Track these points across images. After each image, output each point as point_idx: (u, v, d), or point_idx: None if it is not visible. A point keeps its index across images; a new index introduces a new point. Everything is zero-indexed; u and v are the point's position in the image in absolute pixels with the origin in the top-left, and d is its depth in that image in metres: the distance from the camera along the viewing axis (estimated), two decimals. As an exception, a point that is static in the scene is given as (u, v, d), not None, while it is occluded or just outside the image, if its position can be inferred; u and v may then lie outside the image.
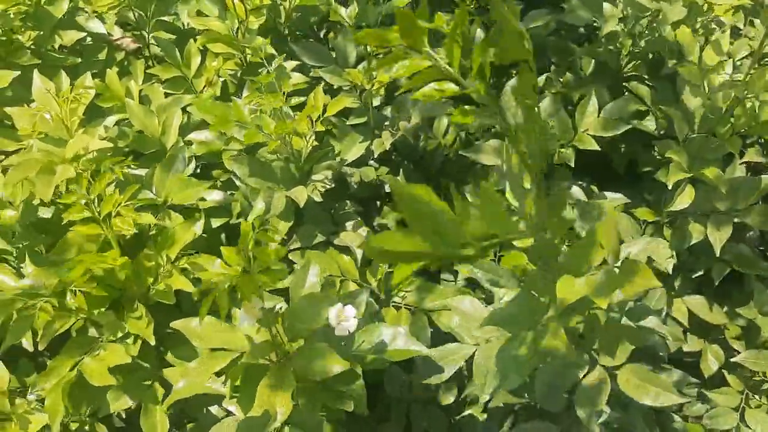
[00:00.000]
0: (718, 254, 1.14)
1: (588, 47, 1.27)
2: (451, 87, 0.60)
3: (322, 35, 1.68)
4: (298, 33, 1.57)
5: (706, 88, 1.12)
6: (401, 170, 1.34)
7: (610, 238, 0.68)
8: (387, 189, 1.33)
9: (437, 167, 1.41)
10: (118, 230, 0.85)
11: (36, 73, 1.11)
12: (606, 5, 1.17)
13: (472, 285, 1.37)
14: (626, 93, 1.24)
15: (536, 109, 0.64)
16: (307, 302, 0.84)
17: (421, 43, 0.54)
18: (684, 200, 1.13)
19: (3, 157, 1.08)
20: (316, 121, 1.07)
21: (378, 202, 1.36)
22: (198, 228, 0.93)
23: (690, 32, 1.12)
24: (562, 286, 0.72)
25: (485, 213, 0.51)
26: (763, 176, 1.14)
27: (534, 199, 0.66)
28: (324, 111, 1.09)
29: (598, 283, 0.67)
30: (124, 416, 1.11)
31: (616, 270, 0.68)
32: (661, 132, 1.25)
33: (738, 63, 1.13)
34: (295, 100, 1.13)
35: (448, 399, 1.14)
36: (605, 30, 1.14)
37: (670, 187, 1.11)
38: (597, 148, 1.10)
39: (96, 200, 0.85)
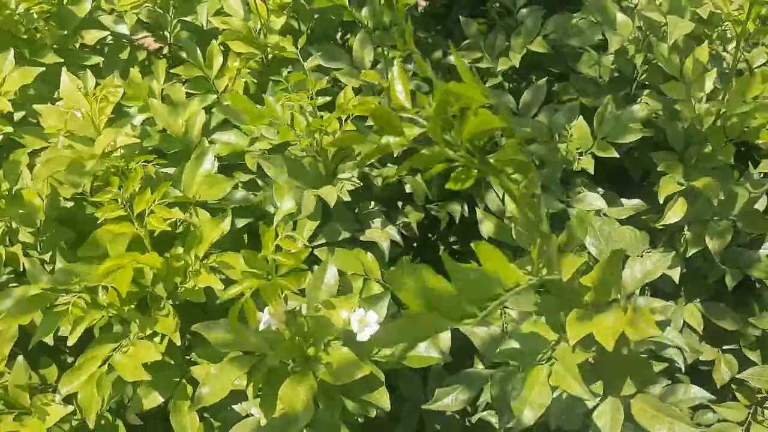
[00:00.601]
0: (717, 261, 1.15)
1: (603, 56, 1.28)
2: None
3: (338, 36, 1.70)
4: (317, 34, 1.59)
5: (693, 102, 1.13)
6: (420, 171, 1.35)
7: (615, 277, 0.69)
8: (408, 189, 1.35)
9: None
10: (152, 228, 0.86)
11: (64, 72, 1.13)
12: (620, 17, 1.18)
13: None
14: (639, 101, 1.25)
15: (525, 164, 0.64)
16: (330, 305, 0.85)
17: (400, 132, 0.55)
18: (676, 213, 1.13)
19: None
20: (346, 120, 1.08)
21: (399, 202, 1.37)
22: (226, 225, 0.95)
23: (666, 49, 1.13)
24: (571, 321, 0.74)
25: (488, 273, 0.53)
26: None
27: (538, 241, 0.67)
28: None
29: (604, 325, 0.69)
30: (144, 410, 1.13)
31: (623, 309, 0.70)
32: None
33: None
34: (321, 100, 1.15)
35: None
36: (613, 47, 1.16)
37: (661, 201, 1.12)
38: (616, 155, 1.12)
39: (129, 198, 0.87)
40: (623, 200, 1.20)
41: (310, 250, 1.12)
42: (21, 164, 1.05)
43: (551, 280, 0.69)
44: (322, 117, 1.10)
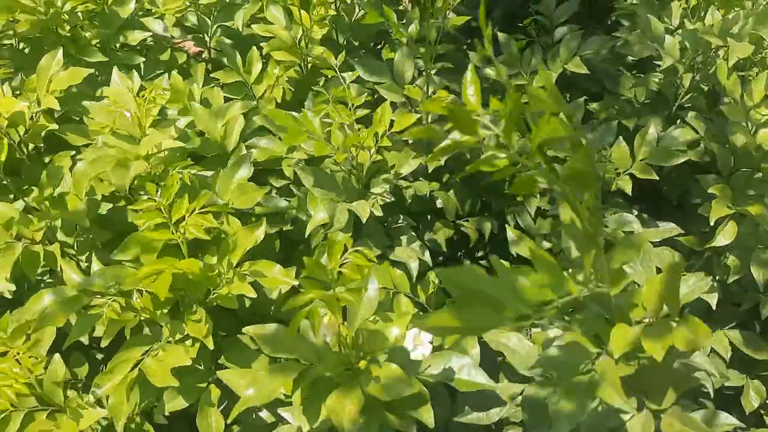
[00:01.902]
0: (762, 290, 1.13)
1: (645, 77, 1.27)
2: (503, 160, 0.60)
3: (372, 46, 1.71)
4: (355, 45, 1.60)
5: (750, 126, 1.12)
6: (453, 187, 1.35)
7: (671, 289, 0.68)
8: (438, 204, 1.35)
9: (488, 185, 1.42)
10: (190, 235, 0.87)
11: (115, 71, 1.15)
12: (668, 38, 1.17)
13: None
14: (680, 123, 1.24)
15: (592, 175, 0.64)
16: (383, 321, 0.85)
17: (475, 132, 0.55)
18: (726, 237, 1.13)
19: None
20: (381, 136, 1.08)
21: (429, 217, 1.37)
22: (260, 233, 0.95)
23: (727, 70, 1.12)
24: (616, 335, 0.73)
25: (542, 279, 0.54)
26: None
27: (593, 253, 0.66)
28: (390, 126, 1.11)
29: (654, 335, 0.68)
30: (166, 414, 1.14)
31: (673, 323, 0.69)
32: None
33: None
34: (359, 113, 1.16)
35: (493, 418, 1.15)
36: (665, 64, 1.15)
37: (711, 224, 1.11)
38: (655, 177, 1.11)
39: (167, 205, 0.88)
40: (658, 222, 1.19)
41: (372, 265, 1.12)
42: (64, 167, 1.07)
43: (600, 293, 0.68)
44: (359, 130, 1.10)
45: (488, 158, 0.53)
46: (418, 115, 1.17)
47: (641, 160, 1.13)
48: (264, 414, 1.05)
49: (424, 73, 1.36)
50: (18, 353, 0.88)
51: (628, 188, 1.13)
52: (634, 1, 1.30)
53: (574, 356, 0.78)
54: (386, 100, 1.36)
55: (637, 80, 1.31)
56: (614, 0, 1.62)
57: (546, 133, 0.51)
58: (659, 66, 1.33)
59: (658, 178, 1.11)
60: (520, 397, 0.97)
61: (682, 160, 1.11)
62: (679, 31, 1.22)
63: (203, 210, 0.89)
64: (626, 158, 1.13)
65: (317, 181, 1.06)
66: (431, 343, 0.85)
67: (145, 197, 0.89)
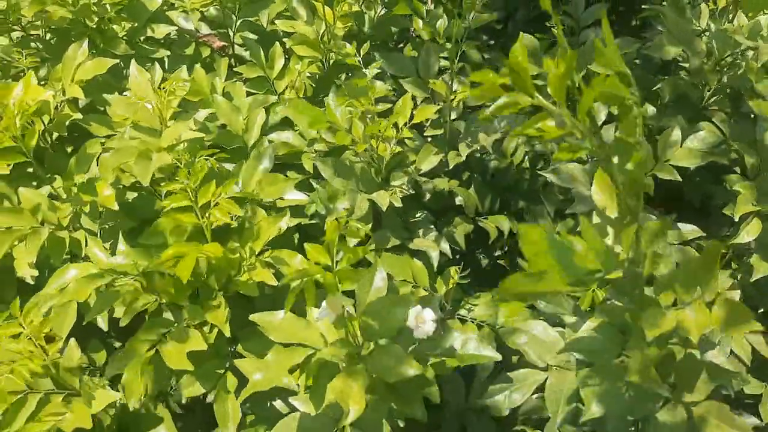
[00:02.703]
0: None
1: (670, 78, 1.26)
2: (551, 126, 0.62)
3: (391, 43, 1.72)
4: (376, 43, 1.61)
5: None
6: (473, 185, 1.35)
7: (711, 273, 0.68)
8: (457, 201, 1.34)
9: (508, 184, 1.41)
10: (215, 220, 0.88)
11: (133, 63, 1.16)
12: (696, 40, 1.16)
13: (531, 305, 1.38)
14: (705, 125, 1.23)
15: (639, 145, 0.65)
16: (385, 303, 0.85)
17: (531, 89, 0.56)
18: (751, 233, 1.12)
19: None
20: (402, 127, 1.09)
21: (448, 213, 1.37)
22: (283, 224, 0.96)
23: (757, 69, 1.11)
24: (650, 317, 0.72)
25: (589, 251, 0.54)
26: None
27: (631, 233, 0.67)
28: (411, 118, 1.11)
29: (692, 319, 0.67)
30: (183, 402, 1.15)
31: (711, 307, 0.68)
32: (735, 167, 1.24)
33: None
34: (379, 107, 1.16)
35: (504, 411, 1.15)
36: (692, 65, 1.14)
37: (737, 219, 1.10)
38: (678, 178, 1.10)
39: (194, 189, 0.89)
40: (679, 224, 1.17)
41: (370, 248, 1.13)
42: (93, 155, 1.08)
43: (635, 274, 0.68)
44: (379, 122, 1.11)
45: (538, 119, 0.54)
46: (438, 107, 1.17)
47: (665, 161, 1.12)
48: (278, 404, 1.06)
49: (447, 71, 1.36)
50: (31, 333, 0.89)
51: (650, 189, 1.12)
52: (663, 3, 1.29)
53: (606, 339, 0.77)
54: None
55: (661, 82, 1.29)
56: (641, 2, 1.62)
57: (600, 90, 0.51)
58: (684, 67, 1.32)
59: (681, 180, 1.10)
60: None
61: (704, 162, 1.10)
62: (707, 32, 1.21)
63: (230, 197, 0.89)
64: (650, 159, 1.12)
65: (337, 171, 1.07)
66: (434, 321, 0.85)
67: (175, 180, 0.89)
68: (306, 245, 0.76)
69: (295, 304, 0.90)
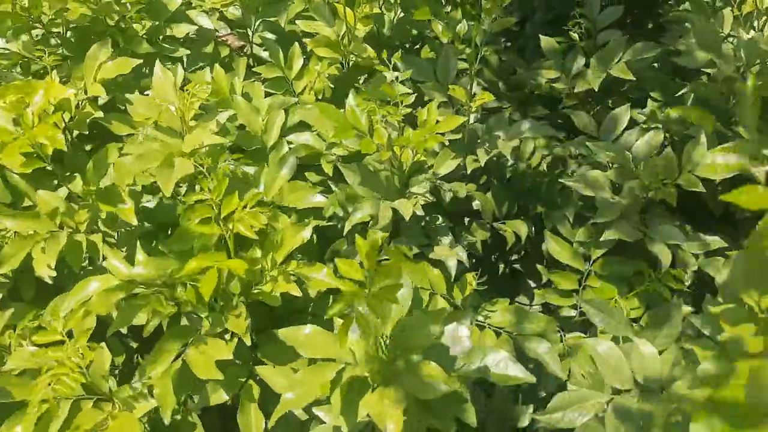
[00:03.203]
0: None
1: (694, 84, 1.25)
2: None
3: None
4: (394, 43, 1.60)
5: None
6: (491, 189, 1.34)
7: None
8: (475, 206, 1.34)
9: (525, 189, 1.40)
10: (238, 232, 0.88)
11: (158, 64, 1.15)
12: (725, 47, 1.15)
13: (547, 310, 1.37)
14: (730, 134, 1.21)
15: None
16: (417, 319, 0.85)
17: None
18: None
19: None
20: (428, 137, 1.08)
21: (465, 218, 1.36)
22: (307, 234, 0.96)
23: None
24: None
25: None
26: None
27: None
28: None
29: None
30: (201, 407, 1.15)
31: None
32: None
33: None
34: (403, 110, 1.15)
35: (524, 422, 1.14)
36: (723, 73, 1.12)
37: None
38: (702, 189, 1.08)
39: (218, 201, 0.88)
40: (702, 235, 1.16)
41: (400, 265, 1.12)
42: (110, 159, 1.08)
43: None
44: (403, 127, 1.10)
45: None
46: (464, 118, 1.16)
47: (689, 171, 1.11)
48: (297, 411, 1.06)
49: (465, 72, 1.35)
50: (71, 343, 0.89)
51: (673, 199, 1.11)
52: (685, 7, 1.27)
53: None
54: (424, 97, 1.37)
55: (683, 87, 1.28)
56: (659, 5, 1.60)
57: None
58: (704, 72, 1.30)
59: (705, 191, 1.09)
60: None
61: (730, 174, 1.08)
62: (730, 38, 1.19)
63: (254, 209, 0.89)
64: (673, 168, 1.11)
65: (363, 178, 1.06)
66: (470, 339, 0.84)
67: (197, 190, 0.89)
68: (337, 261, 0.75)
69: (318, 317, 0.90)
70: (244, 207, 0.89)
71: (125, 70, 1.20)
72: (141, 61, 1.21)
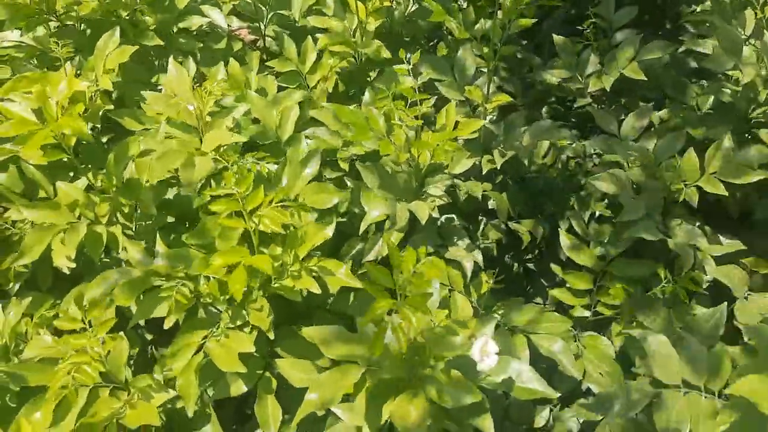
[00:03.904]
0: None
1: (713, 86, 1.24)
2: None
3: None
4: (407, 40, 1.59)
5: None
6: (506, 189, 1.34)
7: None
8: (490, 205, 1.33)
9: (540, 188, 1.40)
10: (264, 228, 0.87)
11: (171, 61, 1.14)
12: (746, 50, 1.14)
13: (560, 310, 1.37)
14: (750, 138, 1.21)
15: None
16: (446, 328, 0.84)
17: None
18: None
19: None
20: (446, 141, 1.07)
21: (479, 217, 1.35)
22: (329, 232, 0.95)
23: None
24: None
25: None
26: None
27: None
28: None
29: None
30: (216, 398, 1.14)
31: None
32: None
33: None
34: (415, 110, 1.14)
35: (540, 422, 1.14)
36: (747, 77, 1.11)
37: None
38: (724, 193, 1.08)
39: (244, 195, 0.87)
40: (721, 238, 1.16)
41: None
42: (131, 152, 1.07)
43: None
44: (421, 129, 1.09)
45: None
46: (484, 121, 1.15)
47: (711, 174, 1.10)
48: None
49: (481, 72, 1.35)
50: (93, 332, 0.88)
51: (695, 201, 1.10)
52: (704, 8, 1.26)
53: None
54: (438, 95, 1.36)
55: (702, 89, 1.28)
56: (677, 6, 1.60)
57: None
58: (722, 75, 1.30)
59: (726, 194, 1.08)
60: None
61: (755, 179, 1.07)
62: (752, 40, 1.18)
63: (279, 204, 0.88)
64: (695, 170, 1.10)
65: (381, 180, 1.05)
66: (497, 354, 0.83)
67: (221, 185, 0.88)
68: (368, 267, 0.75)
69: (337, 314, 0.90)
70: (270, 203, 0.88)
71: (124, 57, 1.19)
72: (137, 47, 1.20)
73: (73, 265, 1.04)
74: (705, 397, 0.84)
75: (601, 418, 1.01)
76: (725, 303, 0.95)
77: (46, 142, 0.98)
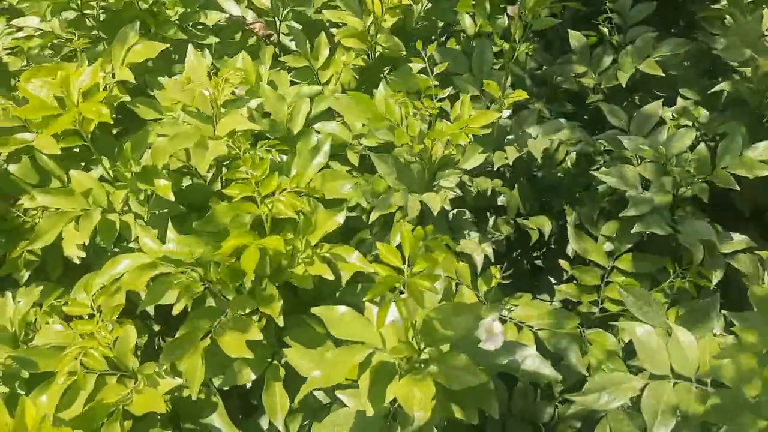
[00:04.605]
0: None
1: (728, 82, 1.24)
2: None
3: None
4: (421, 34, 1.59)
5: None
6: (516, 185, 1.34)
7: None
8: (499, 201, 1.33)
9: (549, 185, 1.40)
10: (278, 212, 0.88)
11: (190, 49, 1.16)
12: (761, 43, 1.14)
13: (567, 306, 1.36)
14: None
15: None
16: (449, 310, 0.84)
17: None
18: None
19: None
20: (461, 132, 1.08)
21: (488, 213, 1.36)
22: (340, 219, 0.96)
23: None
24: None
25: None
26: None
27: None
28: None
29: None
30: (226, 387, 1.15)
31: None
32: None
33: None
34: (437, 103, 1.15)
35: (544, 418, 1.14)
36: (764, 67, 1.11)
37: None
38: (736, 187, 1.07)
39: (258, 180, 0.88)
40: (731, 233, 1.15)
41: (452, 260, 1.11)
42: (149, 143, 1.08)
43: None
44: (436, 120, 1.09)
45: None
46: (499, 113, 1.16)
47: (723, 168, 1.10)
48: (320, 395, 1.06)
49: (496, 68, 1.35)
50: (104, 317, 0.89)
51: (706, 196, 1.10)
52: (721, 5, 1.26)
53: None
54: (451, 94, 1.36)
55: (714, 86, 1.27)
56: (692, 3, 1.59)
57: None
58: (737, 71, 1.29)
59: (738, 188, 1.08)
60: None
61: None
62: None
63: (293, 189, 0.89)
64: (706, 165, 1.10)
65: (396, 170, 1.06)
66: (503, 335, 0.83)
67: (238, 171, 0.89)
68: (378, 245, 0.76)
69: (345, 304, 0.90)
70: (283, 190, 0.89)
71: (152, 54, 1.20)
72: (168, 45, 1.21)
73: (83, 255, 1.06)
74: (695, 387, 0.84)
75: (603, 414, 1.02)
76: (718, 294, 0.95)
77: (67, 127, 0.99)
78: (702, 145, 1.11)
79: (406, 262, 0.75)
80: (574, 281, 1.28)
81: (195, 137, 0.96)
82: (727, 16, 1.18)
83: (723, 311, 0.95)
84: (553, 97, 1.57)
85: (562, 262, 1.31)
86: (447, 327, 0.81)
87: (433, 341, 0.81)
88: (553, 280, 1.46)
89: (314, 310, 0.86)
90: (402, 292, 0.74)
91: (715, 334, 0.94)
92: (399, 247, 0.83)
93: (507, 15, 1.48)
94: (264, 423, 1.09)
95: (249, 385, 1.04)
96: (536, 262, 1.52)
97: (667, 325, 0.89)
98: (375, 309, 0.83)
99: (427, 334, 0.81)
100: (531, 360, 0.88)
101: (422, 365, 0.81)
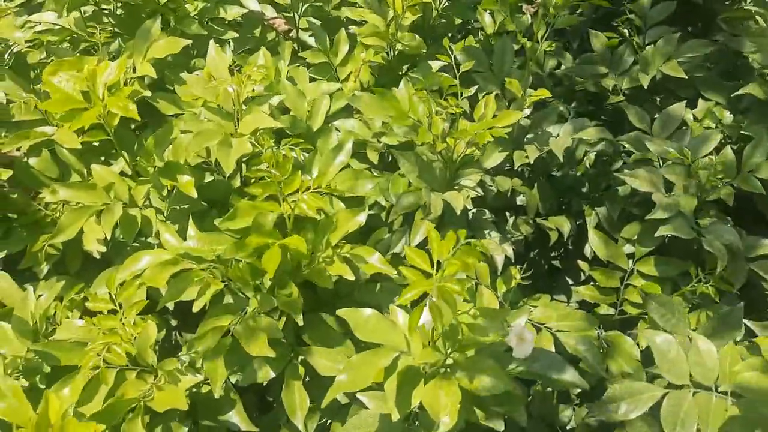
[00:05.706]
0: None
1: (753, 84, 1.22)
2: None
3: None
4: (439, 32, 1.58)
5: None
6: (536, 185, 1.33)
7: None
8: (519, 201, 1.32)
9: (568, 185, 1.39)
10: (300, 212, 0.88)
11: (212, 44, 1.15)
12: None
13: (583, 307, 1.36)
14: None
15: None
16: (479, 315, 0.83)
17: None
18: None
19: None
20: (484, 132, 1.07)
21: (507, 212, 1.35)
22: (362, 218, 0.95)
23: None
24: None
25: None
26: None
27: None
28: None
29: None
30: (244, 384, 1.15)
31: None
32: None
33: None
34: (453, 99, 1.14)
35: (562, 420, 1.14)
36: None
37: None
38: (762, 191, 1.06)
39: (282, 179, 0.88)
40: (755, 238, 1.14)
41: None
42: (172, 139, 1.08)
43: None
44: (456, 119, 1.09)
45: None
46: (522, 113, 1.15)
47: (748, 172, 1.08)
48: (339, 395, 1.05)
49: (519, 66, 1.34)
50: (126, 314, 0.89)
51: (730, 200, 1.09)
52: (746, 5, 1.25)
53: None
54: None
55: (737, 88, 1.26)
56: (713, 3, 1.57)
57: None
58: (761, 73, 1.27)
59: (765, 192, 1.06)
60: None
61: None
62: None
63: (316, 189, 0.89)
64: (732, 168, 1.09)
65: (417, 167, 1.05)
66: (533, 342, 0.83)
67: (260, 169, 0.88)
68: (406, 249, 0.75)
69: (363, 304, 0.90)
70: (306, 189, 0.88)
71: (175, 50, 1.20)
72: (191, 41, 1.20)
73: (104, 249, 1.06)
74: (716, 397, 0.83)
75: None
76: (742, 304, 0.93)
77: (92, 121, 1.00)
78: (728, 148, 1.10)
79: (434, 266, 0.74)
80: (593, 282, 1.27)
81: (219, 135, 0.96)
82: (757, 17, 1.17)
83: (744, 320, 0.94)
84: (570, 96, 1.56)
85: (581, 263, 1.30)
86: (475, 332, 0.80)
87: (459, 346, 0.80)
88: (570, 281, 1.45)
89: (340, 312, 0.85)
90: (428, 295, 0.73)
91: (736, 342, 0.93)
92: (421, 246, 0.83)
93: (528, 14, 1.47)
94: (280, 420, 1.09)
95: (265, 382, 1.05)
96: (554, 262, 1.51)
97: (689, 333, 0.88)
98: (400, 312, 0.83)
99: (453, 339, 0.81)
100: (558, 366, 0.87)
101: (448, 370, 0.80)
